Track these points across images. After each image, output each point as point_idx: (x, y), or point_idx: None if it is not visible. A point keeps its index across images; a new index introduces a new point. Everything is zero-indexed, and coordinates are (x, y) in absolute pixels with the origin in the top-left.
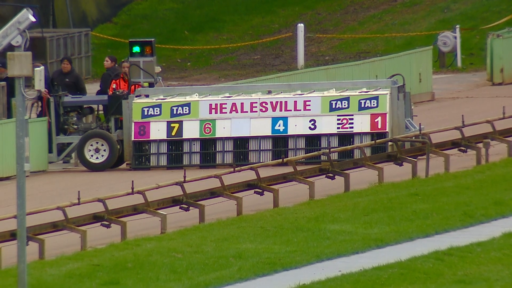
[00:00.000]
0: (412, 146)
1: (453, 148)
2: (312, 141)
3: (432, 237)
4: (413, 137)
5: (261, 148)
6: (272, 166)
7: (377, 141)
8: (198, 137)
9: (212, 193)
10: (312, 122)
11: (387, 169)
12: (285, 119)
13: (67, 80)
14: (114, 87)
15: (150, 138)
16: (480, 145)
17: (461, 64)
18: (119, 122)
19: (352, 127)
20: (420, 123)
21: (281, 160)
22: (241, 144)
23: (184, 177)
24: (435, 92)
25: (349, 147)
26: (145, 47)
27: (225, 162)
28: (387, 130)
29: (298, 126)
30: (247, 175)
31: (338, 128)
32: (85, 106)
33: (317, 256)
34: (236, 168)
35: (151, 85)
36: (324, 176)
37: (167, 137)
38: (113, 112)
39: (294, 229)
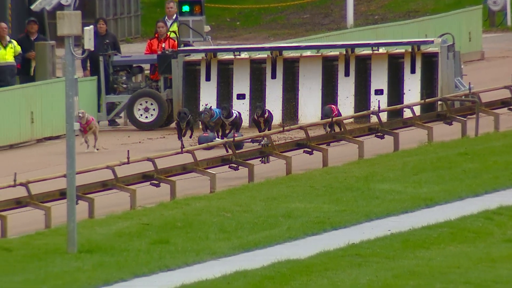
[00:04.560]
0: (462, 105)
1: (502, 107)
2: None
3: (481, 196)
4: (463, 96)
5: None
6: (322, 125)
7: (427, 100)
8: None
9: (262, 153)
10: None
11: (436, 128)
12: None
13: (107, 41)
14: (163, 46)
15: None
16: None
17: (511, 23)
18: (168, 81)
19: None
20: (469, 82)
21: (330, 119)
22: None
23: (234, 136)
24: (485, 51)
25: (398, 106)
26: (195, 6)
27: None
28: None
29: None
30: (297, 135)
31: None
32: (134, 65)
33: (366, 215)
34: (285, 128)
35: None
36: (374, 135)
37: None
38: (162, 71)
39: (343, 189)
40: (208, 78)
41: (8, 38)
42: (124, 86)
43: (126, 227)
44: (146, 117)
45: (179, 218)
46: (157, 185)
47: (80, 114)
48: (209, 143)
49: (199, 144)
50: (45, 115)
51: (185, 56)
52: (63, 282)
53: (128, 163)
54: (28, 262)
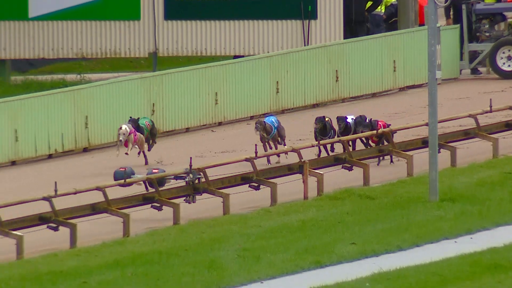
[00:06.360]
0: None
1: None
2: None
3: None
4: None
5: None
6: None
7: None
8: None
9: None
10: None
11: None
12: None
13: None
14: None
15: None
16: None
17: None
18: None
19: None
20: None
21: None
22: None
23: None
24: None
25: None
26: None
27: None
28: None
29: None
30: None
31: None
32: (497, 13)
33: None
34: None
35: None
36: None
37: None
38: None
39: None
40: None
41: None
42: (487, 34)
43: (488, 176)
44: (509, 66)
45: None
46: None
47: (122, 136)
48: (126, 180)
49: (114, 180)
50: (407, 64)
51: None
52: (426, 230)
53: (490, 111)
54: (390, 210)
